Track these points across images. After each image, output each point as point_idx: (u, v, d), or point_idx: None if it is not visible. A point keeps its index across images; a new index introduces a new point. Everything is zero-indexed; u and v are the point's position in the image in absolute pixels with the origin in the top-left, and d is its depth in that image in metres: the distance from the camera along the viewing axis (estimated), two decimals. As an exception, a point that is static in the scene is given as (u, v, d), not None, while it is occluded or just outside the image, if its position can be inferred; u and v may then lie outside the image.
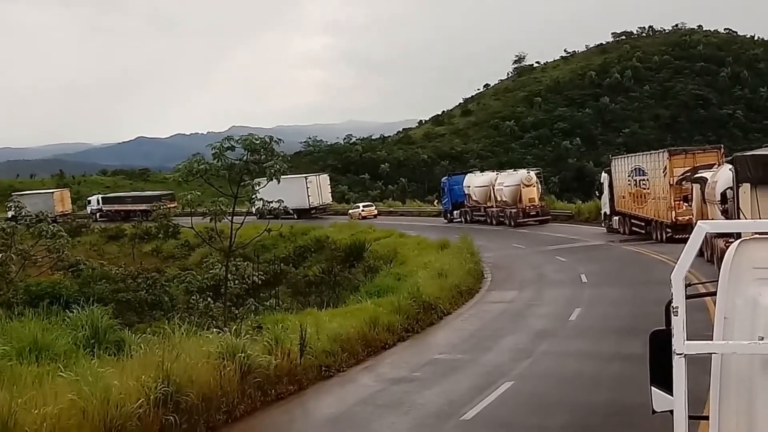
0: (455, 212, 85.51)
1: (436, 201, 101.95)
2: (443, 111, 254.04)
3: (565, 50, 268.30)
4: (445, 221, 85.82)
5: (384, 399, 21.01)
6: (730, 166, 28.30)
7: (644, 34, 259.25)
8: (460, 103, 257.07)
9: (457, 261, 42.41)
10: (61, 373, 16.73)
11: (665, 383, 5.37)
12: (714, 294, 5.70)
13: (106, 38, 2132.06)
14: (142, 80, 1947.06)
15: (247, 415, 19.26)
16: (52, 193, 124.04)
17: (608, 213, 61.27)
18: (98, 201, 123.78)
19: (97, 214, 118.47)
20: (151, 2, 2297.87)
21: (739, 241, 5.66)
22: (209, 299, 40.16)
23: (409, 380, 22.90)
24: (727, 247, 5.93)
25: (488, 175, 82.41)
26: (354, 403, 20.85)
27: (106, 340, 21.24)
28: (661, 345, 5.44)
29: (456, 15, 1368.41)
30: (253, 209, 37.53)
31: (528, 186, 73.19)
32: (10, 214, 76.83)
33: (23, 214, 67.84)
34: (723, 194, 33.99)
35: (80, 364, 17.33)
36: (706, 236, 5.35)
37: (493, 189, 76.81)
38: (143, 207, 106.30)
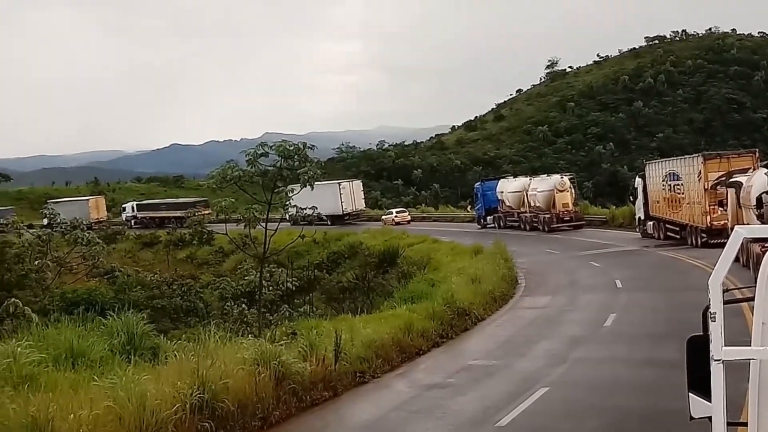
0: (488, 218, 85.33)
1: (470, 206, 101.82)
2: (476, 116, 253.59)
3: (598, 55, 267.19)
4: (479, 227, 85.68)
5: (418, 405, 21.01)
6: (766, 170, 28.22)
7: (677, 38, 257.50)
8: (493, 109, 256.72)
9: (491, 267, 42.28)
10: (96, 380, 16.83)
11: (703, 389, 5.34)
12: (751, 299, 5.68)
13: (138, 46, 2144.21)
14: (175, 87, 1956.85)
15: (282, 421, 19.30)
16: (87, 200, 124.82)
17: (642, 218, 60.98)
18: (133, 208, 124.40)
19: (132, 221, 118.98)
20: (183, 9, 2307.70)
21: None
22: (244, 305, 40.41)
23: (443, 386, 22.87)
24: (764, 252, 5.91)
25: (521, 181, 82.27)
26: (389, 409, 20.86)
27: (141, 347, 21.34)
28: (698, 351, 5.42)
29: (488, 20, 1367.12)
30: (287, 216, 37.69)
31: (561, 191, 73.02)
32: (45, 221, 77.35)
33: (58, 221, 68.34)
34: (758, 198, 33.83)
35: (116, 371, 17.42)
36: (742, 241, 5.32)
37: (527, 194, 76.68)
38: (178, 214, 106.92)
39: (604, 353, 26.00)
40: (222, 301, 49.57)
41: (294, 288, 46.82)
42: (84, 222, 76.98)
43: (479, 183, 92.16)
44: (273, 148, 31.49)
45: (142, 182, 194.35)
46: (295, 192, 33.54)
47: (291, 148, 31.24)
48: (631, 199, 67.14)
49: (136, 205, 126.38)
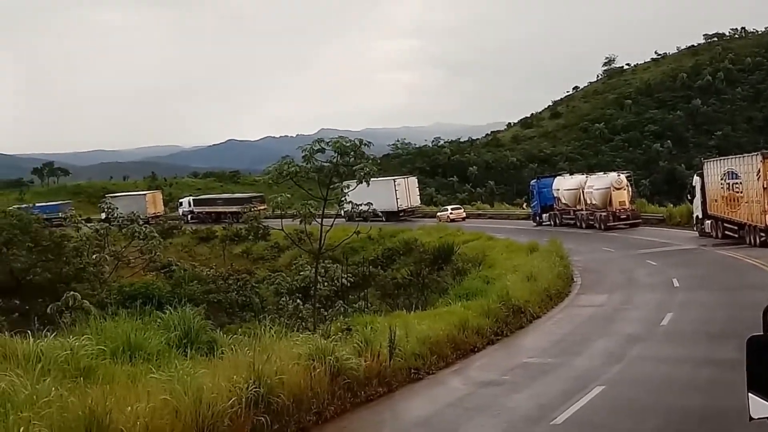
0: (544, 215, 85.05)
1: (525, 204, 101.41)
2: (532, 113, 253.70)
3: (655, 52, 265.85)
4: (534, 224, 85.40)
5: (473, 402, 20.92)
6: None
7: (737, 36, 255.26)
8: (549, 106, 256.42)
9: (547, 264, 42.08)
10: (153, 373, 16.94)
11: (763, 389, 5.28)
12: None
13: (196, 42, 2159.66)
14: (231, 83, 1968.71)
15: (337, 416, 19.30)
16: (145, 195, 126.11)
17: (700, 217, 60.39)
18: (189, 203, 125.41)
19: (189, 216, 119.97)
20: (239, 5, 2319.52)
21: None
22: (299, 301, 40.60)
23: (498, 383, 22.78)
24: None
25: (577, 178, 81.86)
26: (443, 406, 20.79)
27: (198, 341, 21.41)
28: (758, 351, 5.36)
29: (544, 17, 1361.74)
30: (342, 212, 37.75)
31: (618, 189, 72.57)
32: (103, 215, 78.17)
33: (116, 215, 69.11)
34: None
35: (173, 364, 17.50)
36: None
37: (583, 192, 76.26)
38: (234, 209, 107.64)
39: (661, 352, 25.73)
40: (277, 296, 49.87)
41: (349, 284, 46.96)
42: (141, 216, 77.80)
43: (535, 180, 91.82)
44: (329, 144, 31.56)
45: (198, 177, 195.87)
46: (350, 188, 33.61)
47: (347, 145, 31.30)
48: (689, 198, 66.51)
49: (193, 200, 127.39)
